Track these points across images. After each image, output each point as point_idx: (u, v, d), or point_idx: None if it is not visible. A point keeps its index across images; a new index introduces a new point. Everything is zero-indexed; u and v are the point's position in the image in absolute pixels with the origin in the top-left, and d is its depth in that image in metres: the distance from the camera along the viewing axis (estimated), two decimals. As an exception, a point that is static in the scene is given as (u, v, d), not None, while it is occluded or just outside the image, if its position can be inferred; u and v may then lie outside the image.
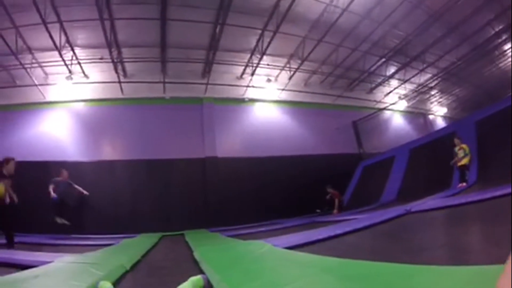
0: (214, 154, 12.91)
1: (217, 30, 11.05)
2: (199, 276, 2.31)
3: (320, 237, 4.29)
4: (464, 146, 8.47)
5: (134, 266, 3.65)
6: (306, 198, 12.46)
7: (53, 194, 9.18)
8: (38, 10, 9.17)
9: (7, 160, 6.04)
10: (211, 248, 4.51)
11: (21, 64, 11.46)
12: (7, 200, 5.85)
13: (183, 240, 6.86)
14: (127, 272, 3.31)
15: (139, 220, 10.95)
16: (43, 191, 9.69)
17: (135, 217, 11.13)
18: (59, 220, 9.25)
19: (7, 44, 10.64)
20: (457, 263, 1.82)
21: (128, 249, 5.22)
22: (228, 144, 13.32)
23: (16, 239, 5.89)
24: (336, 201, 11.53)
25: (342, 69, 15.02)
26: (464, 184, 7.97)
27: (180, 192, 12.01)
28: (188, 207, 11.77)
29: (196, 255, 3.87)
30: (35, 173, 10.82)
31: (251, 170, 12.91)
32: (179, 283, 2.15)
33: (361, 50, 14.02)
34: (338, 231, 4.48)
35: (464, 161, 8.32)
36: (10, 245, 5.66)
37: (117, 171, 11.94)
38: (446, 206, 5.05)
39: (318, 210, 12.06)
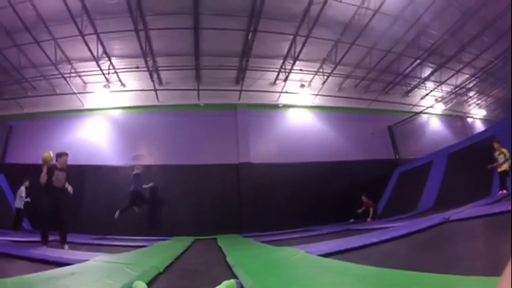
0: (248, 160, 12.94)
1: (249, 37, 11.12)
2: (232, 280, 2.30)
3: (355, 245, 4.16)
4: (504, 150, 7.98)
5: (167, 268, 3.67)
6: (341, 205, 12.17)
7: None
8: (75, 23, 9.74)
9: (60, 154, 6.50)
10: (244, 253, 4.49)
11: (60, 73, 12.26)
12: (68, 187, 6.23)
13: (216, 245, 6.87)
14: (160, 273, 3.33)
15: (173, 224, 11.12)
16: (78, 194, 9.95)
17: (169, 220, 11.30)
18: (136, 209, 9.93)
19: (47, 55, 11.43)
20: (496, 274, 1.65)
21: (161, 252, 5.28)
22: (262, 150, 13.30)
23: (53, 238, 6.11)
24: (371, 210, 11.21)
25: (376, 72, 14.64)
26: (505, 191, 7.51)
27: (214, 197, 12.12)
28: (221, 212, 11.83)
29: (229, 259, 3.85)
30: (74, 176, 11.34)
31: (285, 176, 12.79)
32: (212, 286, 2.15)
33: (395, 52, 13.60)
34: (374, 239, 4.33)
35: (505, 166, 7.83)
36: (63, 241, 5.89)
37: (153, 176, 12.13)
38: (486, 214, 4.75)
39: (351, 220, 11.74)
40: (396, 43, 12.97)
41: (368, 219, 11.02)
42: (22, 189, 10.43)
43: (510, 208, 4.48)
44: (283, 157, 13.27)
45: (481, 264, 2.45)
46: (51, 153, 6.28)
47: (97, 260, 3.69)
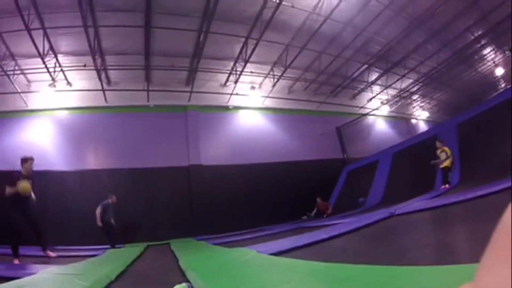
0: (198, 162, 12.87)
1: (201, 38, 11.09)
2: (183, 284, 2.33)
3: (306, 242, 4.31)
4: (446, 148, 8.69)
5: (119, 276, 3.63)
6: (292, 204, 12.56)
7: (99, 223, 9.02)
8: (22, 16, 9.07)
9: (25, 159, 6.03)
10: (196, 257, 4.51)
11: (3, 70, 11.24)
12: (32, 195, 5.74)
13: (169, 249, 6.83)
14: (112, 282, 3.29)
15: (124, 231, 10.76)
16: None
17: (119, 227, 10.92)
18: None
19: None
20: (441, 263, 1.84)
21: (113, 260, 5.16)
22: (213, 152, 13.29)
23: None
24: (329, 211, 11.85)
25: (325, 75, 15.27)
26: (447, 185, 8.22)
27: (165, 201, 11.87)
28: (173, 216, 11.61)
29: (182, 263, 3.87)
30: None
31: (236, 177, 12.91)
32: None
33: (343, 57, 14.30)
34: (324, 236, 4.52)
35: (446, 163, 8.53)
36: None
37: (101, 180, 11.68)
38: (430, 207, 5.17)
39: (304, 217, 12.17)
40: (345, 48, 13.59)
41: (328, 211, 11.77)
42: None
43: (451, 201, 4.93)
44: (234, 159, 13.40)
45: (426, 254, 2.65)
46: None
47: (46, 273, 3.58)
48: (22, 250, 7.63)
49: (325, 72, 14.89)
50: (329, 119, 16.25)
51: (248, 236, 8.07)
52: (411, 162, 11.03)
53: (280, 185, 13.08)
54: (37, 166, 11.32)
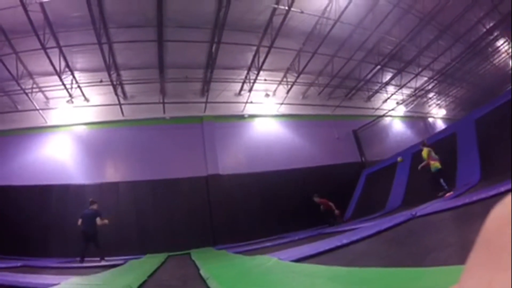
0: (216, 172, 12.88)
1: (213, 48, 11.20)
2: None
3: (327, 247, 4.23)
4: (424, 150, 8.51)
5: (141, 286, 3.62)
6: (311, 210, 12.34)
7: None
8: (37, 36, 9.36)
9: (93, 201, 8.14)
10: (217, 265, 4.49)
11: (22, 89, 11.67)
12: None
13: (189, 259, 6.82)
14: None
15: (144, 241, 10.88)
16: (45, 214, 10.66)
17: (140, 238, 11.05)
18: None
19: (8, 70, 10.84)
20: (462, 262, 1.76)
21: (134, 270, 5.18)
22: (230, 161, 13.31)
23: (22, 263, 5.85)
24: (332, 205, 11.33)
25: (338, 79, 15.19)
26: (451, 192, 7.49)
27: (184, 211, 11.88)
28: (193, 225, 11.61)
29: (203, 272, 3.83)
30: (37, 197, 11.35)
31: (255, 185, 12.83)
32: None
33: (356, 59, 14.19)
34: (345, 241, 4.43)
35: (435, 165, 8.25)
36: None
37: (121, 192, 11.92)
38: (451, 207, 5.04)
39: (331, 220, 11.93)
40: (357, 51, 13.49)
41: (336, 211, 11.26)
42: None
43: (471, 200, 4.78)
44: (252, 167, 13.36)
45: (448, 254, 2.56)
46: None
47: (68, 283, 3.60)
48: (46, 262, 7.87)
49: (339, 75, 14.83)
50: (345, 123, 16.07)
51: (268, 244, 8.00)
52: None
53: (299, 192, 12.92)
54: (58, 180, 11.80)
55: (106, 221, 8.59)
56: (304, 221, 11.95)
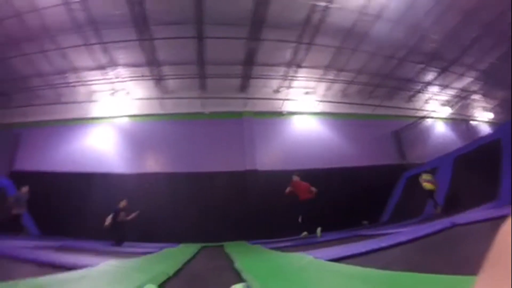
0: (254, 167, 12.91)
1: (253, 45, 11.19)
2: (240, 284, 2.30)
3: (363, 250, 4.09)
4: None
5: (176, 274, 3.65)
6: (348, 210, 12.09)
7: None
8: (81, 33, 10.31)
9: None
10: (252, 259, 4.49)
11: (66, 82, 12.75)
12: None
13: (223, 251, 6.86)
14: (169, 278, 3.31)
15: (179, 231, 11.14)
16: (86, 200, 11.47)
17: (176, 227, 11.32)
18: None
19: (53, 64, 11.94)
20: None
21: (169, 257, 5.32)
22: (268, 157, 13.31)
23: (61, 243, 6.14)
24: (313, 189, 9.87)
25: (379, 78, 14.67)
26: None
27: (220, 204, 12.06)
28: (228, 219, 11.74)
29: (237, 265, 3.83)
30: (80, 183, 12.25)
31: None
32: None
33: (397, 58, 13.65)
34: (382, 244, 4.26)
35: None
36: None
37: (159, 183, 12.35)
38: (492, 217, 4.73)
39: (365, 222, 11.61)
40: (398, 49, 12.98)
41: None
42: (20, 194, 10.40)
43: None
44: (289, 164, 13.08)
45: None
46: None
47: (107, 265, 3.71)
48: (83, 244, 8.26)
49: (379, 74, 14.33)
50: (385, 123, 15.52)
51: (302, 242, 7.88)
52: (472, 167, 10.16)
53: (335, 192, 12.56)
54: (101, 168, 12.45)
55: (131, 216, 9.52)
56: (339, 221, 11.65)
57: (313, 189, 9.35)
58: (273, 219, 11.83)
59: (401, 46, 12.93)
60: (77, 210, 11.63)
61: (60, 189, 12.19)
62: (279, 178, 12.41)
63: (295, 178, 9.71)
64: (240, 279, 2.99)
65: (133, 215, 9.63)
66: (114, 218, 9.34)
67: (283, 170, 12.79)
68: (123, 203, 9.89)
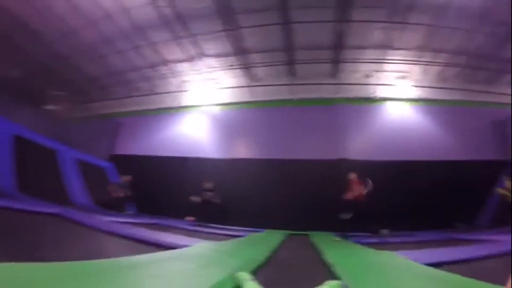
0: (345, 156, 12.26)
1: (341, 28, 10.67)
2: (336, 282, 2.22)
3: (463, 256, 3.70)
4: None
5: (266, 261, 3.63)
6: (442, 209, 10.94)
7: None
8: (170, 28, 11.08)
9: None
10: (341, 253, 4.36)
11: (159, 74, 14.03)
12: None
13: (309, 241, 6.77)
14: (260, 265, 3.29)
15: (265, 217, 11.23)
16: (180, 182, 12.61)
17: (261, 213, 11.45)
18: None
19: (147, 59, 13.19)
20: None
21: (257, 244, 5.42)
22: (360, 146, 12.46)
23: (155, 221, 6.77)
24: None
25: (481, 59, 12.80)
26: None
27: (308, 193, 11.64)
28: (314, 208, 11.38)
29: (327, 258, 3.75)
30: (175, 167, 13.49)
31: (383, 174, 11.61)
32: (311, 283, 2.11)
33: (502, 35, 11.66)
34: (483, 252, 3.79)
35: None
36: None
37: (248, 169, 12.69)
38: None
39: (458, 224, 10.47)
40: (503, 24, 11.10)
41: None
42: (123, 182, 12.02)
43: None
44: (381, 154, 12.19)
45: None
46: None
47: (200, 247, 3.82)
48: (176, 223, 8.85)
49: (481, 54, 12.47)
50: (490, 111, 13.47)
51: (394, 240, 7.38)
52: None
53: (431, 187, 11.21)
54: (193, 153, 13.57)
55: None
56: (432, 220, 10.67)
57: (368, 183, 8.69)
58: (361, 212, 11.17)
59: (506, 21, 11.07)
60: (170, 191, 12.70)
61: (155, 171, 13.35)
62: (371, 168, 11.69)
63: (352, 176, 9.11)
64: (331, 274, 2.93)
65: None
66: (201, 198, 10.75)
67: (375, 160, 12.08)
68: (208, 185, 11.08)
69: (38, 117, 15.21)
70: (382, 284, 2.37)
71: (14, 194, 7.22)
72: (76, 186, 11.06)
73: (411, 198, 11.09)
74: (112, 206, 11.35)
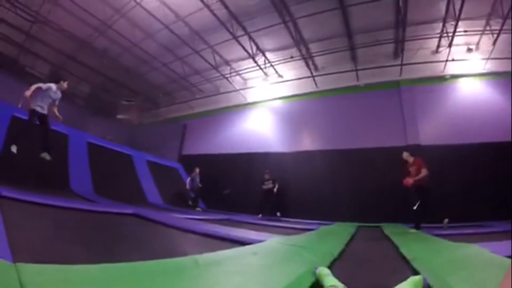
0: (416, 142, 11.51)
1: (400, 3, 9.98)
2: (419, 277, 2.12)
3: None
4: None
5: (340, 255, 3.58)
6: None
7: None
8: (226, 28, 11.30)
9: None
10: (419, 247, 4.14)
11: (221, 75, 14.40)
12: None
13: (382, 233, 6.59)
14: (335, 260, 3.28)
15: (335, 209, 11.11)
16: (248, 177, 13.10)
17: (331, 205, 11.37)
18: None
19: (208, 61, 13.64)
20: None
21: (329, 237, 5.34)
22: (432, 130, 11.54)
23: (226, 216, 7.54)
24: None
25: None
26: None
27: (378, 182, 11.09)
28: (385, 198, 10.69)
29: (405, 252, 3.60)
30: (242, 163, 13.93)
31: (459, 159, 10.48)
32: (390, 279, 2.03)
33: None
34: None
35: None
36: None
37: (316, 161, 12.63)
38: None
39: None
40: None
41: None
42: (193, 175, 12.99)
43: None
44: (455, 137, 11.06)
45: None
46: None
47: (274, 241, 3.86)
48: (246, 218, 9.05)
49: None
50: None
51: (469, 231, 6.79)
52: None
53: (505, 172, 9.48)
54: (260, 148, 13.98)
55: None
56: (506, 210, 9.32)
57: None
58: (436, 201, 10.31)
59: None
60: (238, 187, 13.18)
61: (223, 168, 13.81)
62: (445, 153, 10.80)
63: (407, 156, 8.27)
64: (411, 269, 2.83)
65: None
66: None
67: (449, 144, 11.10)
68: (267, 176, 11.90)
69: (112, 126, 16.68)
70: (466, 278, 2.21)
71: (93, 198, 7.82)
72: (150, 187, 11.78)
73: (493, 184, 9.99)
74: (185, 199, 12.48)
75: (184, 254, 2.53)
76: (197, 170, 12.79)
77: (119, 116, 17.85)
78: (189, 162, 14.97)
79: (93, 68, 14.58)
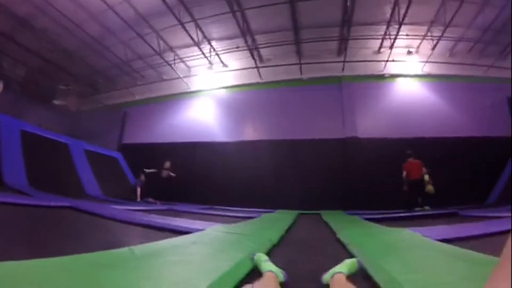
0: (354, 135, 12.38)
1: (348, 3, 10.40)
2: (353, 259, 2.23)
3: (476, 232, 3.68)
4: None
5: (280, 241, 3.68)
6: (450, 186, 10.67)
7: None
8: (173, 14, 10.80)
9: None
10: (355, 232, 4.39)
11: (165, 61, 13.79)
12: None
13: (321, 220, 6.84)
14: (274, 246, 3.36)
15: (277, 197, 11.49)
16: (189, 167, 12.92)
17: (273, 193, 11.74)
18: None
19: (152, 47, 12.96)
20: None
21: (270, 224, 5.48)
22: (369, 124, 12.58)
23: (167, 207, 7.38)
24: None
25: (492, 33, 12.42)
26: None
27: (317, 172, 11.96)
28: (325, 187, 11.58)
29: (342, 237, 3.78)
30: (186, 152, 13.61)
31: (394, 151, 11.20)
32: (328, 262, 2.14)
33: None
34: (494, 229, 3.77)
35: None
36: None
37: (258, 150, 12.90)
38: None
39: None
40: None
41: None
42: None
43: None
44: (391, 132, 12.29)
45: None
46: None
47: (214, 230, 3.87)
48: (189, 208, 8.97)
49: (492, 28, 12.08)
50: (501, 87, 12.98)
51: (401, 215, 7.38)
52: None
53: (439, 164, 10.73)
54: (203, 138, 13.71)
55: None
56: (439, 197, 10.35)
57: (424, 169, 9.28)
58: (373, 189, 11.19)
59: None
60: (182, 177, 12.80)
61: (165, 158, 13.58)
62: (381, 145, 11.75)
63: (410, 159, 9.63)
64: (347, 253, 2.97)
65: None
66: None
67: (385, 137, 12.05)
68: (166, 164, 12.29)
69: (47, 113, 15.48)
70: (398, 261, 2.35)
71: (27, 190, 7.32)
72: (88, 178, 11.21)
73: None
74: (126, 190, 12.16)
75: (122, 246, 2.44)
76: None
77: (56, 102, 16.57)
78: (130, 151, 14.49)
79: (30, 49, 13.13)
